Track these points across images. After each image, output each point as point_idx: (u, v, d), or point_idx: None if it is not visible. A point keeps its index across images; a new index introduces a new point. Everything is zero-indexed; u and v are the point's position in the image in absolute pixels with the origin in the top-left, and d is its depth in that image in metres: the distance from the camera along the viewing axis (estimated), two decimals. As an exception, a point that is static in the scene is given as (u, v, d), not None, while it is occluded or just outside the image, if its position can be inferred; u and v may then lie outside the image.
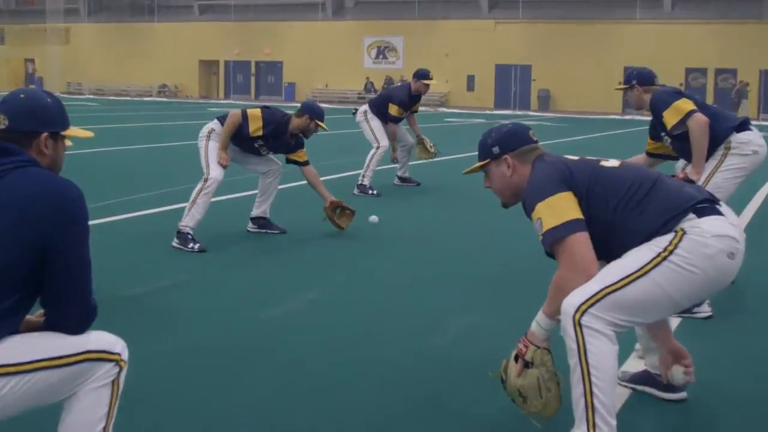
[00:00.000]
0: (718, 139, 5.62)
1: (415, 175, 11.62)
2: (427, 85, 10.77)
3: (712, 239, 3.06)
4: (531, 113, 40.01)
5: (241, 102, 45.55)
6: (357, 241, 7.51)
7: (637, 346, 4.08)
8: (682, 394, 3.81)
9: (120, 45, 53.61)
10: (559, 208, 3.16)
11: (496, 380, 4.04)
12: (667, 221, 3.12)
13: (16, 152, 2.57)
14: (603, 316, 3.05)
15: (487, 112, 40.25)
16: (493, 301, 5.56)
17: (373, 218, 7.27)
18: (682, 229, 3.10)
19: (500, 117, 34.44)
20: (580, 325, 3.04)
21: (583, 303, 3.05)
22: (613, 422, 3.05)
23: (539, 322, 3.27)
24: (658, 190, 3.21)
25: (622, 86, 6.04)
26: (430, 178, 11.87)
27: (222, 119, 7.23)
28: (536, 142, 3.49)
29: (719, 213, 3.16)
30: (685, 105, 5.53)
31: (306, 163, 7.57)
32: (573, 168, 3.29)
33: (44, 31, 55.36)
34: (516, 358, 3.31)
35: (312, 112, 7.24)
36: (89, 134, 2.88)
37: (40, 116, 2.65)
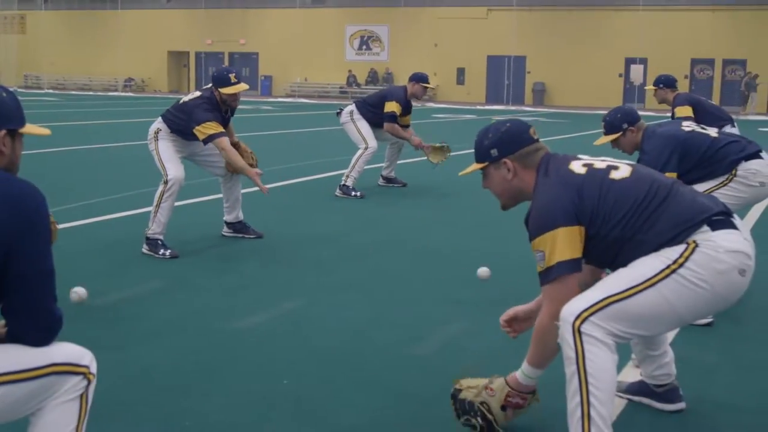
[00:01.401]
0: (724, 166, 5.59)
1: (401, 176, 11.70)
2: (426, 89, 10.86)
3: (725, 254, 3.12)
4: (525, 108, 40.15)
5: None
6: (339, 246, 7.58)
7: (633, 355, 4.17)
8: (681, 405, 3.90)
9: (81, 35, 53.32)
10: (564, 245, 3.21)
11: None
12: (679, 233, 3.17)
13: None
14: (604, 326, 3.12)
15: (478, 107, 40.33)
16: (482, 308, 5.63)
17: (483, 272, 5.14)
18: (694, 242, 3.15)
19: (492, 113, 34.54)
20: (579, 332, 3.11)
21: (585, 310, 3.12)
22: None
23: (524, 371, 3.49)
24: (670, 202, 3.25)
25: (610, 137, 5.68)
26: (417, 178, 11.93)
27: (168, 119, 7.25)
28: (537, 140, 3.51)
29: (734, 227, 3.21)
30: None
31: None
32: (581, 185, 3.29)
33: (-2, 18, 55.02)
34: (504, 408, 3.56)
35: (215, 81, 7.17)
36: (46, 131, 2.86)
37: None
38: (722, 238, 3.14)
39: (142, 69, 52.30)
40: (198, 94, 7.30)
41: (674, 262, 3.13)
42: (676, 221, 3.19)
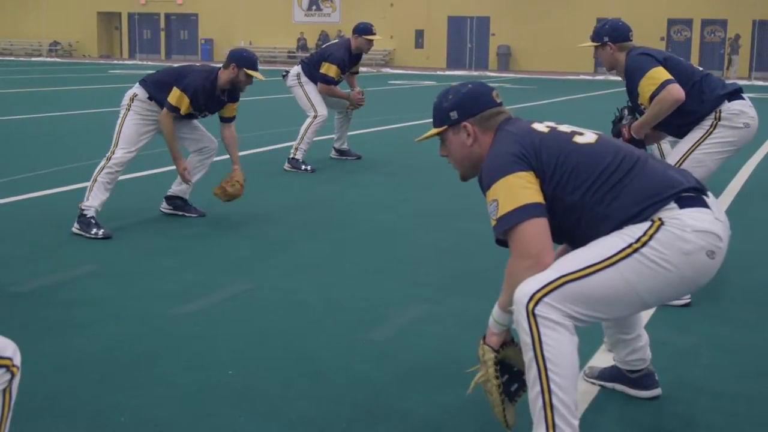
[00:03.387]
0: (707, 106, 5.65)
1: (356, 147, 11.69)
2: (370, 42, 10.76)
3: (692, 234, 3.11)
4: (489, 73, 40.28)
5: (150, 63, 45.08)
6: (288, 224, 7.58)
7: (605, 339, 4.22)
8: (656, 391, 3.95)
9: (1, -6, 52.56)
10: (518, 190, 3.19)
11: (441, 377, 4.17)
12: (644, 209, 3.17)
13: None
14: (559, 307, 3.11)
15: (438, 72, 40.42)
16: (440, 289, 5.67)
17: None
18: (659, 219, 3.15)
19: (453, 78, 34.61)
20: (533, 315, 3.09)
21: (538, 291, 3.10)
22: (575, 422, 3.12)
23: (494, 316, 3.37)
24: (637, 174, 3.24)
25: (590, 44, 6.00)
26: (373, 150, 11.95)
27: (146, 83, 7.22)
28: (500, 104, 3.50)
29: (705, 205, 3.20)
30: (660, 74, 5.51)
31: (232, 119, 7.61)
32: (540, 143, 3.30)
33: None
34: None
35: (239, 60, 7.21)
36: None
37: None
38: (690, 216, 3.13)
39: (69, 32, 51.64)
40: (209, 67, 7.34)
41: (637, 240, 3.12)
42: (641, 195, 3.19)
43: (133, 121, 7.14)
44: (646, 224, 3.15)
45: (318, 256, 6.53)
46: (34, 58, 48.17)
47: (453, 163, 3.58)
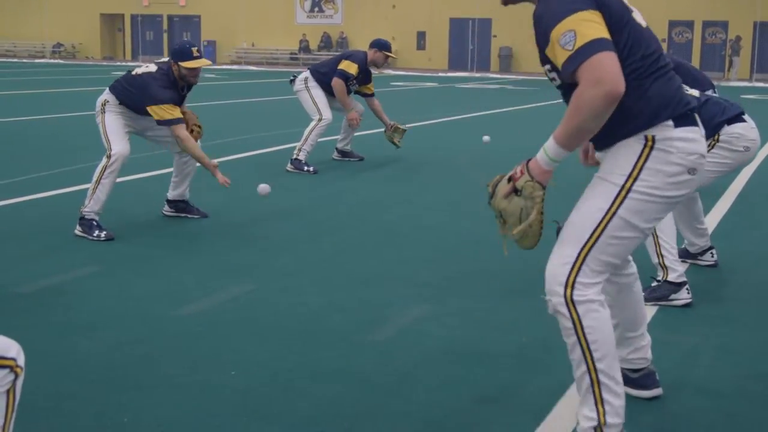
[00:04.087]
0: (709, 128, 5.59)
1: (358, 149, 11.70)
2: (387, 57, 10.92)
3: (677, 157, 3.25)
4: (491, 75, 40.32)
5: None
6: (291, 225, 7.58)
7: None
8: (657, 391, 3.96)
9: (5, -4, 52.62)
10: (594, 24, 3.12)
11: (442, 377, 4.17)
12: (652, 118, 3.24)
13: None
14: (592, 280, 3.28)
15: (440, 74, 40.43)
16: (442, 289, 5.67)
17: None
18: (653, 138, 3.25)
19: (454, 80, 34.66)
20: (573, 302, 3.25)
21: (569, 275, 3.26)
22: (622, 392, 3.34)
23: (546, 149, 3.24)
24: (664, 76, 3.31)
25: None
26: (374, 151, 11.95)
27: (116, 89, 7.22)
28: None
29: (695, 123, 3.34)
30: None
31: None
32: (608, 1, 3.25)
33: None
34: (510, 179, 3.31)
35: (173, 55, 7.22)
36: None
37: None
38: (680, 137, 3.26)
39: (73, 33, 51.69)
40: (154, 68, 7.26)
41: (628, 177, 3.25)
42: (659, 99, 3.26)
43: (112, 119, 7.16)
44: (639, 147, 3.25)
45: (319, 257, 6.53)
46: (37, 60, 48.21)
47: None
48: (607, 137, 3.31)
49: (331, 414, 3.80)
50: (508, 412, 3.82)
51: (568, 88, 3.25)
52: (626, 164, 3.27)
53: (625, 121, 3.25)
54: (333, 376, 4.23)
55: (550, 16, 3.19)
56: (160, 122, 7.06)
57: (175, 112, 7.05)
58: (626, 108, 3.21)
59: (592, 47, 3.06)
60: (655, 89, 3.27)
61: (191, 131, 7.29)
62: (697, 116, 3.38)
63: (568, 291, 3.26)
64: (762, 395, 4.09)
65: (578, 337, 3.26)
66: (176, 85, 7.20)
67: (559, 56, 3.14)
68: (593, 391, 3.29)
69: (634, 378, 3.94)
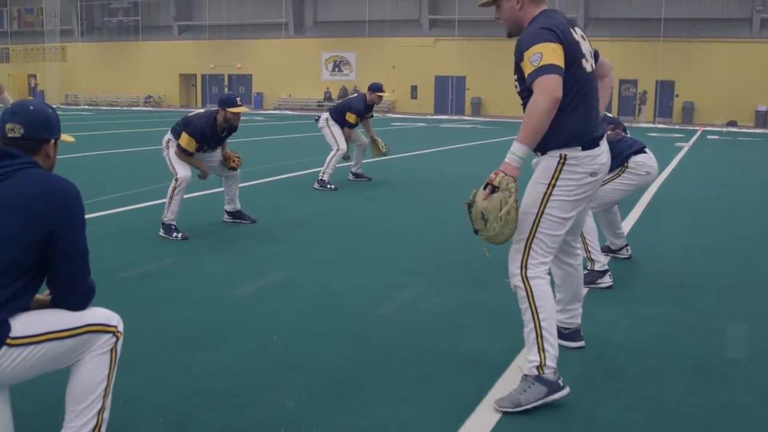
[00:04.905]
0: (617, 162, 5.71)
1: (367, 172, 11.68)
2: (381, 97, 10.84)
3: (581, 167, 3.30)
4: (466, 117, 40.21)
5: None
6: (318, 228, 7.57)
7: (557, 303, 4.20)
8: (581, 343, 4.03)
9: (110, 61, 52.68)
10: (556, 53, 3.17)
11: (431, 341, 4.15)
12: (567, 142, 3.29)
13: (17, 155, 2.57)
14: (539, 260, 3.34)
15: (428, 117, 40.35)
16: (431, 277, 5.66)
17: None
18: (564, 156, 3.30)
19: (439, 121, 34.59)
20: (527, 278, 3.33)
21: (522, 260, 3.35)
22: (556, 344, 3.36)
23: (514, 151, 3.22)
24: (587, 113, 3.34)
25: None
26: (380, 173, 11.94)
27: (174, 129, 7.15)
28: None
29: (597, 145, 3.36)
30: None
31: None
32: (572, 44, 3.28)
33: (43, 49, 54.23)
34: (486, 186, 3.26)
35: (221, 102, 7.06)
36: (72, 139, 3.00)
37: (49, 125, 2.67)
38: (586, 155, 3.31)
39: (159, 88, 51.75)
40: (203, 111, 7.20)
41: (548, 184, 3.31)
42: (576, 128, 3.30)
43: (174, 152, 7.12)
44: (554, 161, 3.31)
45: (339, 252, 6.52)
46: (133, 108, 48.18)
47: (503, 22, 3.49)
48: (540, 146, 3.34)
49: (345, 366, 3.79)
50: (478, 365, 3.82)
51: (527, 95, 3.29)
52: (546, 175, 3.34)
53: (550, 136, 3.26)
54: (348, 339, 4.22)
55: (528, 40, 3.24)
56: (177, 145, 7.01)
57: (189, 144, 6.97)
58: (552, 126, 3.22)
59: (549, 68, 3.14)
60: (572, 122, 3.30)
61: (233, 160, 7.32)
62: (602, 140, 3.42)
63: (523, 271, 3.34)
64: (664, 352, 4.07)
65: (530, 303, 3.32)
66: (214, 127, 7.08)
67: (527, 69, 3.21)
68: (537, 342, 3.31)
69: (566, 333, 4.01)
